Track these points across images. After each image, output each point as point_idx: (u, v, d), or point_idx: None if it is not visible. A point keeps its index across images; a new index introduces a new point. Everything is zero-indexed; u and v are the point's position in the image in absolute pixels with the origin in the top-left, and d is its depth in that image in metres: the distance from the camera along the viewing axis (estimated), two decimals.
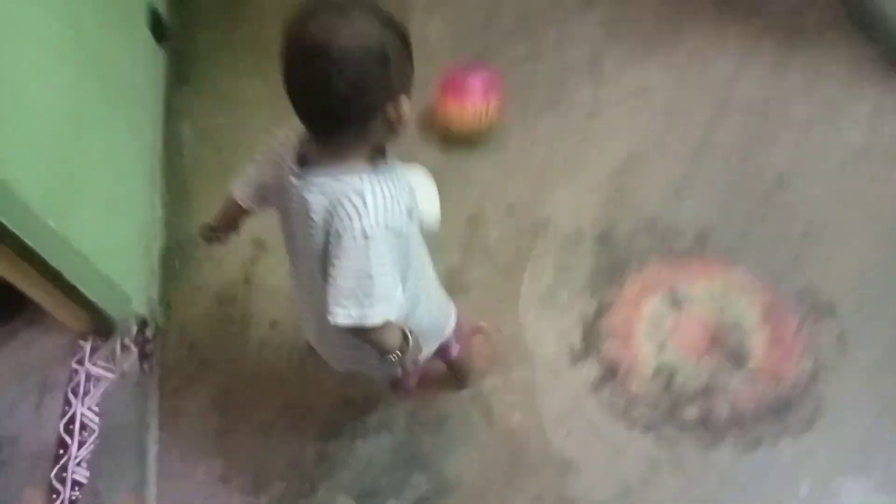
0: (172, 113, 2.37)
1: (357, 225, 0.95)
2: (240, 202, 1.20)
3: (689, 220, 1.81)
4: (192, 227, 1.98)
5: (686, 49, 2.13)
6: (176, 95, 2.42)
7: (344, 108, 0.93)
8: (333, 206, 0.97)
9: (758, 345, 1.58)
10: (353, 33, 0.89)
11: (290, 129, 1.05)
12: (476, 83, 1.93)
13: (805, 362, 1.55)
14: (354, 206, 0.96)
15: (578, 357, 1.64)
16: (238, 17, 2.65)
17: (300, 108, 0.96)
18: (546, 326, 1.70)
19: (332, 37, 0.88)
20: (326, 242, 0.99)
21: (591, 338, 1.66)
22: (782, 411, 1.50)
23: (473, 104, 1.92)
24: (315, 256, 1.03)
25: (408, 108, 0.97)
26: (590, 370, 1.62)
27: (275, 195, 1.10)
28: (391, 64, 0.92)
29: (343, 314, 0.98)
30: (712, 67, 2.07)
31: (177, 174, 2.20)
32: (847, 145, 1.85)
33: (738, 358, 1.57)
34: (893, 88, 1.91)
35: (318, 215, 0.99)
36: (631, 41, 2.19)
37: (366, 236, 0.95)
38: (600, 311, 1.70)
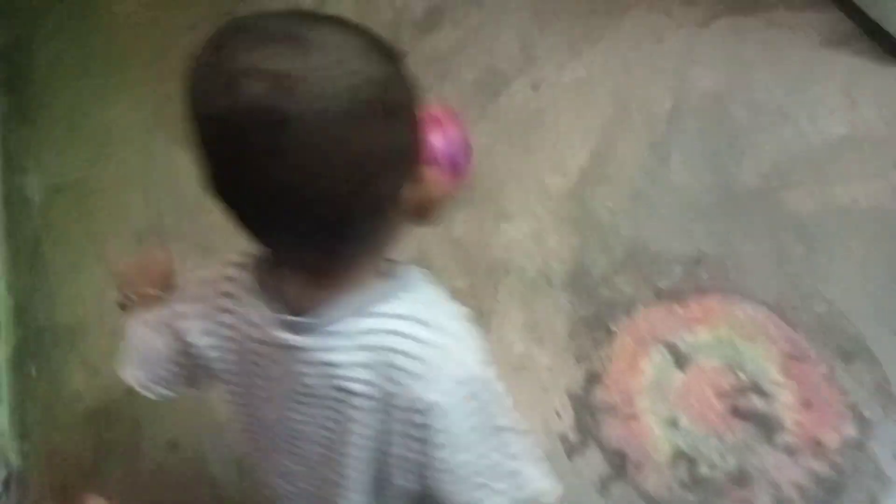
0: (12, 165, 1.85)
1: (453, 371, 0.58)
2: (142, 391, 0.75)
3: (671, 247, 1.49)
4: (56, 314, 1.51)
5: (629, 31, 1.80)
6: (14, 142, 1.89)
7: (346, 203, 0.53)
8: (388, 363, 0.58)
9: (786, 406, 1.28)
10: (337, 73, 0.50)
11: (227, 264, 0.67)
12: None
13: (847, 421, 1.27)
14: (426, 344, 0.58)
15: (575, 449, 1.30)
16: (91, 24, 2.12)
17: (262, 219, 0.56)
18: (528, 411, 1.34)
19: (303, 85, 0.49)
20: (388, 431, 0.59)
21: (585, 420, 1.32)
22: (838, 489, 1.21)
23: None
24: (352, 457, 0.62)
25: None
26: (591, 465, 1.28)
27: (221, 371, 0.68)
28: (402, 114, 0.55)
29: None
30: (662, 50, 1.75)
31: (25, 245, 1.70)
32: (826, 134, 1.57)
33: (767, 427, 1.27)
34: (868, 67, 1.65)
35: (363, 386, 0.59)
36: (564, 28, 1.85)
37: (473, 377, 0.59)
38: (590, 382, 1.36)
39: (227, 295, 0.65)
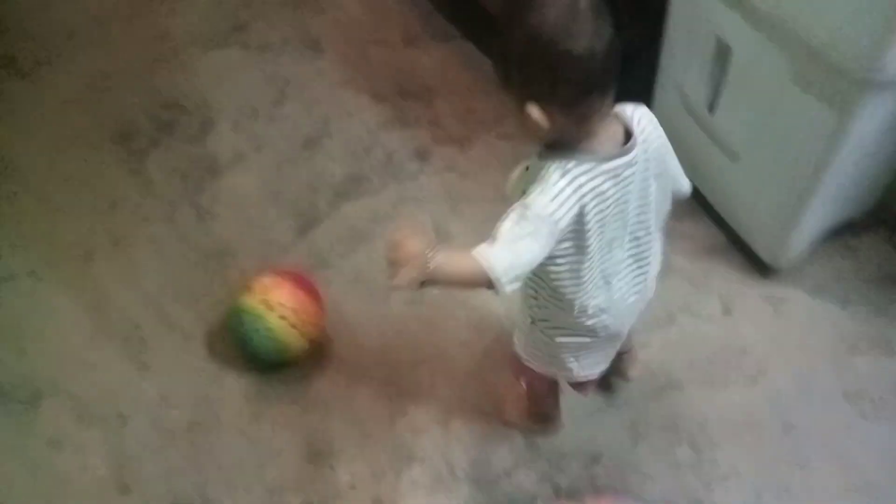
0: None
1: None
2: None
3: (571, 442, 1.49)
4: None
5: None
6: None
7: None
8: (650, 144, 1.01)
9: None
10: None
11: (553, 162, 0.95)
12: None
13: None
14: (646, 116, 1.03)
15: None
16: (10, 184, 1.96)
17: (593, 71, 0.89)
18: None
19: None
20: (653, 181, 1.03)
21: None
22: None
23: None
24: (652, 210, 1.05)
25: None
26: None
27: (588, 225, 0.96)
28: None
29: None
30: None
31: None
32: (706, 339, 1.69)
33: None
34: (739, 278, 1.82)
35: (651, 168, 1.01)
36: (476, 212, 1.93)
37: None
38: None
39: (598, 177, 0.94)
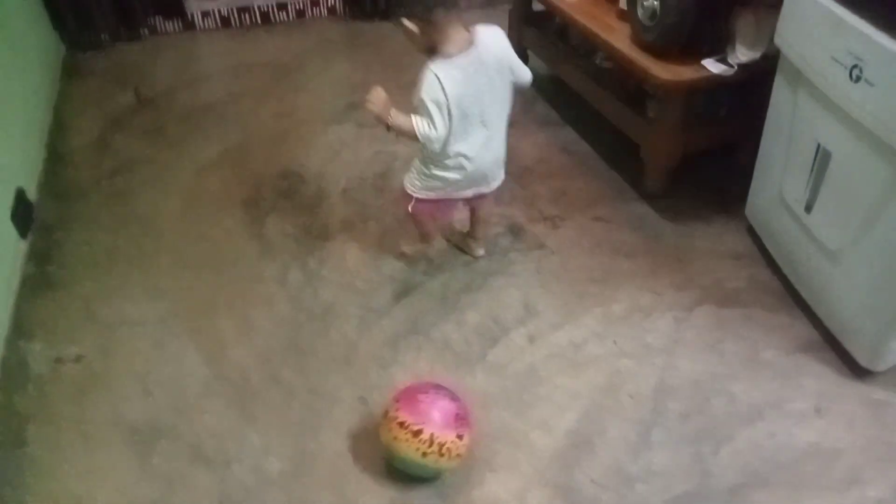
0: (21, 329, 1.83)
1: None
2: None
3: None
4: None
5: (621, 305, 1.93)
6: (29, 308, 1.90)
7: None
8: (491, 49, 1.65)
9: None
10: None
11: (436, 63, 1.58)
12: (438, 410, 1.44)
13: None
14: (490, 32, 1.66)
15: None
16: (127, 217, 2.22)
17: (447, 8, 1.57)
18: None
19: None
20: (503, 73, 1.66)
21: None
22: None
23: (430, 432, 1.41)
24: (498, 101, 1.70)
25: None
26: None
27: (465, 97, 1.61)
28: None
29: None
30: (651, 328, 1.86)
31: (12, 421, 1.63)
32: (794, 439, 1.63)
33: None
34: (833, 379, 1.76)
35: (493, 67, 1.64)
36: (563, 290, 1.98)
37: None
38: None
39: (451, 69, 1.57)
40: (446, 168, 1.71)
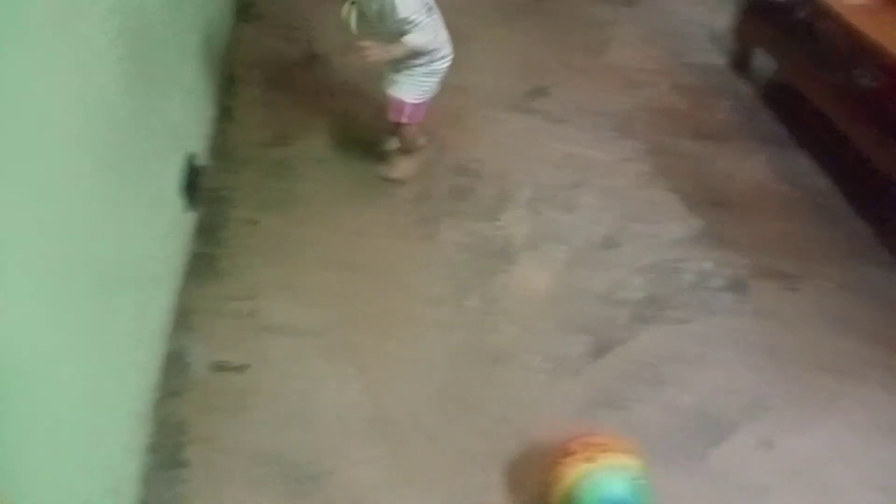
0: (184, 320, 1.66)
1: None
2: None
3: None
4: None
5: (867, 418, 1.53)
6: (194, 293, 1.71)
7: None
8: None
9: None
10: None
11: None
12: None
13: None
14: None
15: None
16: (290, 195, 1.98)
17: None
18: None
19: None
20: None
21: None
22: None
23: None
24: None
25: None
26: None
27: None
28: None
29: None
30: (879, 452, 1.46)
31: (168, 442, 1.46)
32: None
33: None
34: None
35: None
36: (800, 373, 1.59)
37: None
38: None
39: None
40: (442, 59, 1.80)
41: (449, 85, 2.04)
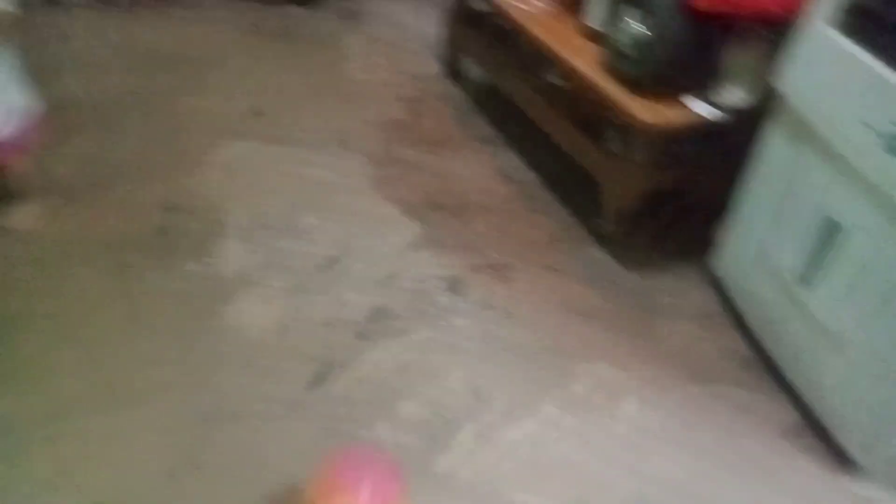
0: None
1: None
2: None
3: None
4: None
5: (582, 389, 1.60)
6: None
7: None
8: None
9: None
10: None
11: None
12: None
13: None
14: None
15: None
16: None
17: None
18: None
19: None
20: None
21: None
22: None
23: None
24: None
25: None
26: None
27: None
28: None
29: None
30: (618, 417, 1.55)
31: None
32: None
33: None
34: (818, 474, 1.53)
35: None
36: (515, 369, 1.63)
37: None
38: None
39: None
40: None
41: (172, 113, 1.85)
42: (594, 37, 1.79)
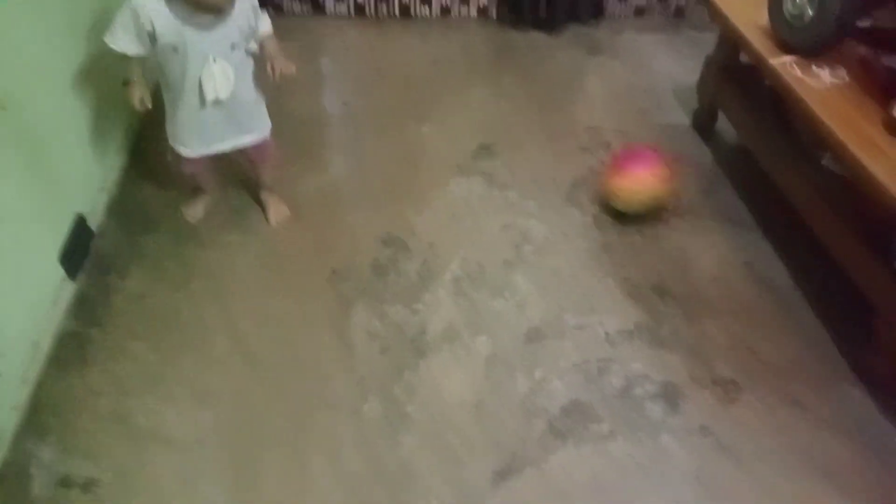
0: (35, 422, 1.45)
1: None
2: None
3: None
4: None
5: None
6: (54, 385, 1.51)
7: None
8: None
9: None
10: None
11: None
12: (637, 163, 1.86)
13: None
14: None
15: None
16: (192, 267, 1.78)
17: None
18: None
19: None
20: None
21: None
22: None
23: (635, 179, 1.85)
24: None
25: None
26: None
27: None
28: None
29: None
30: None
31: None
32: None
33: None
34: None
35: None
36: None
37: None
38: None
39: None
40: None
41: (402, 139, 1.87)
42: None
